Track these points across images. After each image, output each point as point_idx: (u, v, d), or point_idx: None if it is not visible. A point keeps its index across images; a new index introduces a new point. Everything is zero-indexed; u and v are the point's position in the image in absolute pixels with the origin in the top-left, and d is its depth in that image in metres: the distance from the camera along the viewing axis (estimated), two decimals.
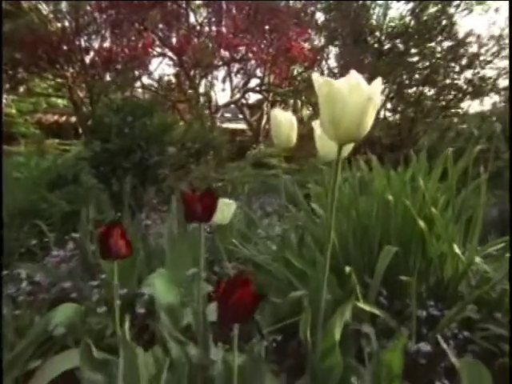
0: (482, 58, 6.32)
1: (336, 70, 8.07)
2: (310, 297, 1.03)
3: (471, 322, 1.08)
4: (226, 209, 1.28)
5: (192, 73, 8.53)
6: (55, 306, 1.23)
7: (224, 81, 9.22)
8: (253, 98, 10.52)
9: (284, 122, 1.28)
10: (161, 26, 7.96)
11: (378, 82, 0.67)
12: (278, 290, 1.22)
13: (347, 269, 1.04)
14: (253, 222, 1.92)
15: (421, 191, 1.20)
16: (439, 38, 6.48)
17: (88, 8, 7.60)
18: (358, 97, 0.66)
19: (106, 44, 7.88)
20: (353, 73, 0.66)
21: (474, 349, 1.03)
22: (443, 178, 1.30)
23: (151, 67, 11.18)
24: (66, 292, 1.41)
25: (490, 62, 6.31)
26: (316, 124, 1.03)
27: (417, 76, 6.79)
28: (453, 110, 6.67)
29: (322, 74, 8.13)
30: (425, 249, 1.19)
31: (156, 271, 1.37)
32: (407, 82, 6.75)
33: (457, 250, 1.13)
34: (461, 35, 6.38)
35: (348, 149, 0.90)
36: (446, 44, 6.50)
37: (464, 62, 6.37)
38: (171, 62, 8.69)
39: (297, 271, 1.21)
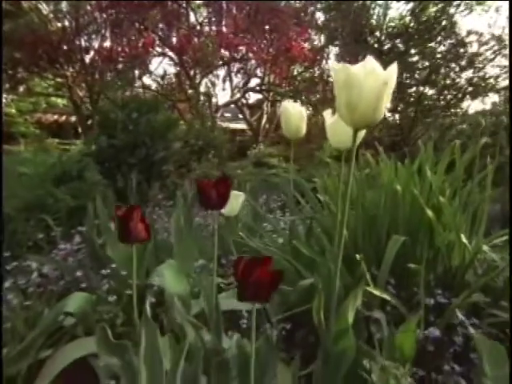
0: (482, 58, 6.34)
1: None
2: (320, 284, 1.05)
3: (478, 308, 1.10)
4: (234, 201, 1.29)
5: (192, 72, 8.54)
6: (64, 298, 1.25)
7: (224, 80, 9.23)
8: (253, 97, 10.55)
9: (294, 113, 1.30)
10: (161, 25, 7.97)
11: (394, 67, 0.68)
12: (286, 279, 1.24)
13: (357, 256, 1.05)
14: (258, 215, 1.93)
15: (428, 181, 1.21)
16: (439, 38, 6.50)
17: (88, 8, 7.61)
18: (373, 81, 0.67)
19: (107, 44, 7.89)
20: (369, 58, 0.68)
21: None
22: (449, 171, 1.32)
23: (151, 67, 11.23)
24: (75, 283, 1.42)
25: (491, 60, 6.32)
26: (327, 113, 1.05)
27: (417, 76, 6.80)
28: (453, 110, 6.69)
29: (322, 73, 8.17)
30: (432, 238, 1.20)
31: (165, 262, 1.38)
32: (407, 81, 6.76)
33: (464, 239, 1.14)
34: (461, 35, 6.40)
35: (360, 136, 0.91)
36: (446, 44, 6.52)
37: (464, 62, 6.39)
38: (171, 62, 8.70)
39: (305, 260, 1.22)
